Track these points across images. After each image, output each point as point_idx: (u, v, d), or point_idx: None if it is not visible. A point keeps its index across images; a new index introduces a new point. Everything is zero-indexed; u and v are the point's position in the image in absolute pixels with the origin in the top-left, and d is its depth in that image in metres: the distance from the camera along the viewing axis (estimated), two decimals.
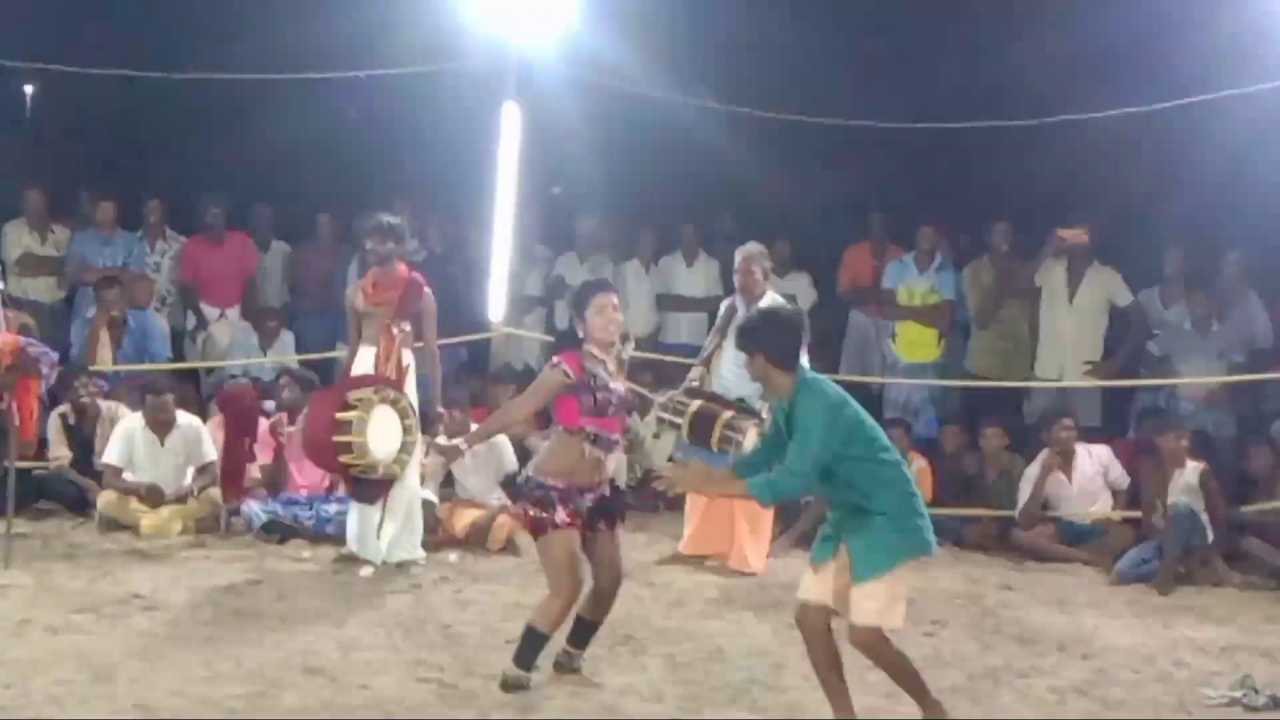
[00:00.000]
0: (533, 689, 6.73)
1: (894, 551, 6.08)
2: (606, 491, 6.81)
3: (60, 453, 10.41)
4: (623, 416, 6.99)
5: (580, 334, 6.81)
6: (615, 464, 7.04)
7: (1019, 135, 11.34)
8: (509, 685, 6.66)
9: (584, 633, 6.94)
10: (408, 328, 9.00)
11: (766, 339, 6.24)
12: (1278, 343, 11.32)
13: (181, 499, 10.02)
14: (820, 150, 12.54)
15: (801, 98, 11.74)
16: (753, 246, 9.57)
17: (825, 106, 11.67)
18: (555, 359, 6.79)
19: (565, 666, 6.92)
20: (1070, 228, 11.18)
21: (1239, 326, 11.25)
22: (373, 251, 9.05)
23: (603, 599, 6.87)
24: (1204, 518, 9.53)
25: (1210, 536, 9.53)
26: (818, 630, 6.24)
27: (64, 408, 10.53)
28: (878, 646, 6.15)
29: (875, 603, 6.04)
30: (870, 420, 6.18)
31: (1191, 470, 9.65)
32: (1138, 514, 10.01)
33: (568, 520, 6.63)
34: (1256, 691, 6.94)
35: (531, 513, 6.66)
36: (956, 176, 12.88)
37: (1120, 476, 10.27)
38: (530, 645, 6.68)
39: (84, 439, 10.47)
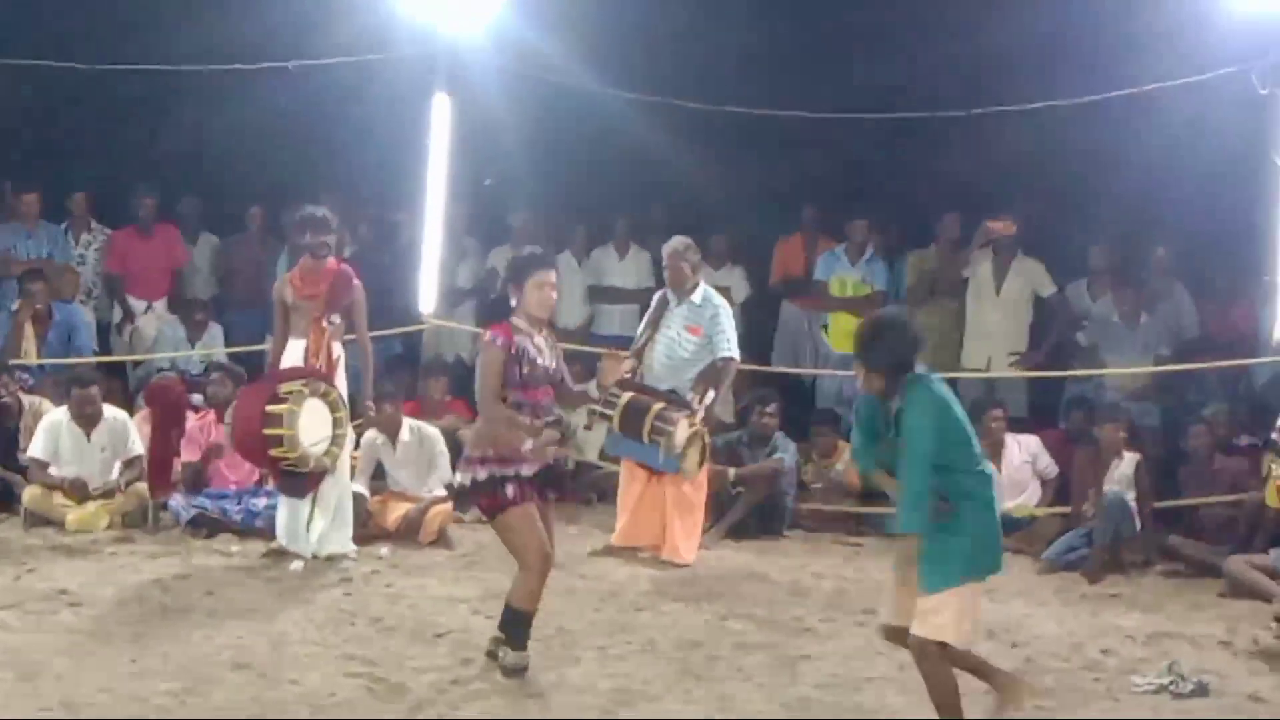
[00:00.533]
0: (462, 684, 6.71)
1: (966, 566, 5.97)
2: (549, 459, 6.93)
3: None
4: (548, 389, 7.00)
5: (513, 304, 6.93)
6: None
7: (951, 127, 11.38)
8: (511, 671, 6.78)
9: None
10: (337, 320, 8.94)
11: (886, 353, 5.97)
12: (1203, 335, 11.44)
13: (108, 493, 9.91)
14: (754, 142, 12.53)
15: (736, 90, 11.74)
16: (678, 241, 9.57)
17: (759, 98, 11.68)
18: (488, 334, 6.88)
19: (497, 654, 6.96)
20: (998, 219, 11.26)
21: (1166, 319, 11.35)
22: (304, 245, 8.98)
23: None
24: (1134, 507, 9.62)
25: (1138, 526, 9.62)
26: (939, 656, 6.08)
27: None
28: (933, 660, 6.04)
29: (940, 618, 5.95)
30: (969, 428, 6.03)
31: (1129, 461, 9.72)
32: (1066, 508, 10.06)
33: (519, 494, 6.75)
34: (1183, 678, 7.02)
35: (483, 500, 6.80)
36: (889, 168, 12.92)
37: (1049, 466, 10.34)
38: (517, 626, 6.84)
39: (6, 434, 10.32)
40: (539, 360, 6.87)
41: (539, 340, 6.94)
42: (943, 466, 5.89)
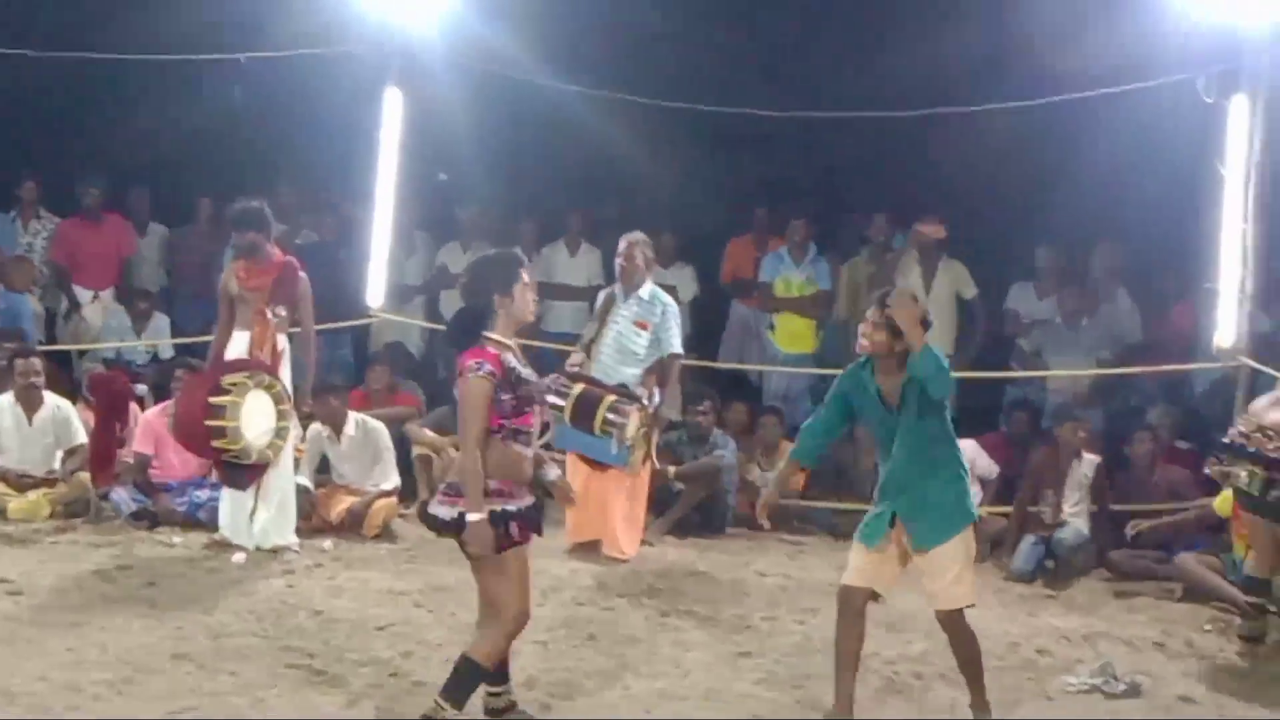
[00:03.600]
0: (402, 676, 6.72)
1: (965, 514, 6.39)
2: (572, 499, 6.62)
3: None
4: (538, 409, 6.18)
5: (495, 312, 5.99)
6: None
7: (902, 129, 11.43)
8: None
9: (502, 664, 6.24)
10: (283, 312, 8.93)
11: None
12: (1145, 338, 11.56)
13: (50, 482, 9.86)
14: (706, 141, 12.57)
15: (688, 87, 11.77)
16: (638, 233, 9.62)
17: (711, 96, 11.71)
18: (472, 363, 5.83)
19: (499, 710, 6.26)
20: (927, 222, 11.34)
21: (1108, 322, 11.47)
22: (235, 246, 9.00)
23: None
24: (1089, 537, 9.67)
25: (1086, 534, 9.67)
26: (859, 612, 6.41)
27: None
28: (961, 625, 6.40)
29: (962, 586, 6.32)
30: None
31: (1088, 463, 9.72)
32: (1008, 509, 10.11)
33: (523, 533, 5.95)
34: (1116, 679, 7.11)
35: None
36: (838, 168, 12.99)
37: (988, 468, 10.38)
38: (469, 682, 5.95)
39: None
40: (528, 377, 6.02)
41: (518, 352, 6.08)
42: (944, 417, 6.37)
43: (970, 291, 11.60)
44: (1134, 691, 7.03)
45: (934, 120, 11.09)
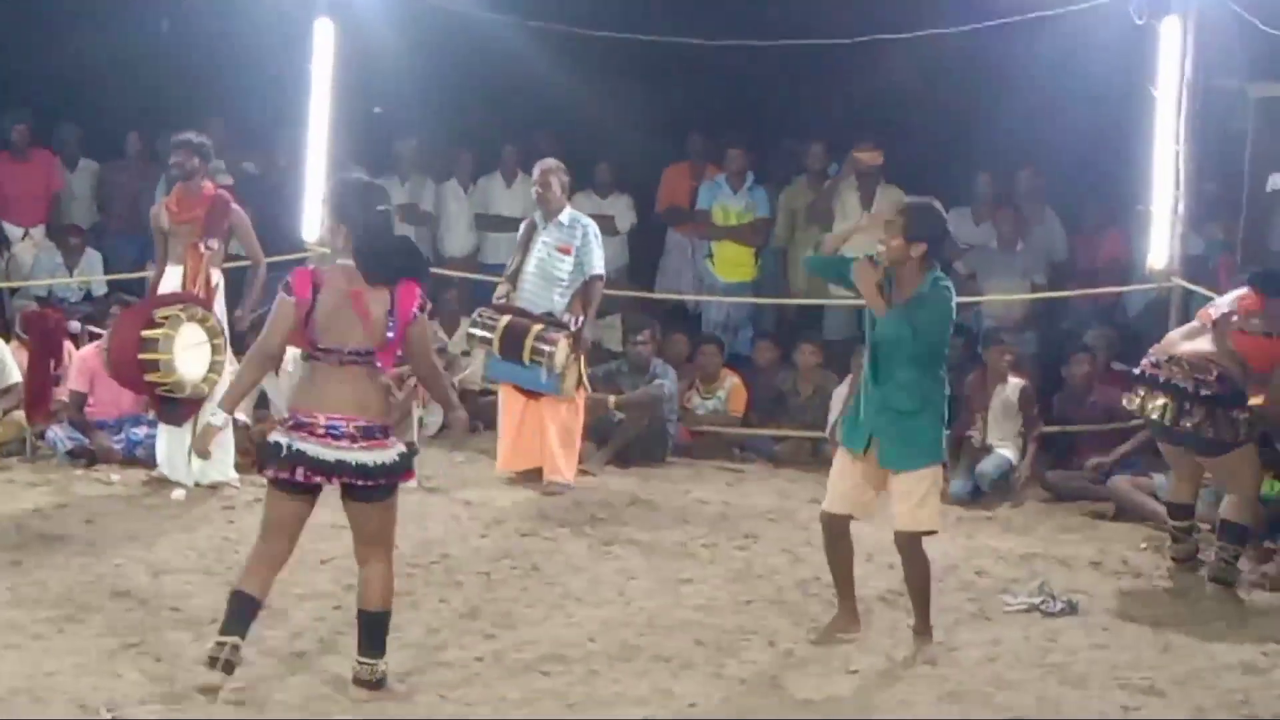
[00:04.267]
0: (345, 610, 6.72)
1: (938, 454, 6.58)
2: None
3: None
4: None
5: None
6: None
7: (835, 54, 11.39)
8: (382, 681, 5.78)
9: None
10: (215, 245, 8.88)
11: (933, 227, 6.53)
12: (1076, 262, 11.64)
13: None
14: (640, 70, 12.49)
15: (623, 18, 11.68)
16: (550, 160, 9.59)
17: (645, 25, 11.64)
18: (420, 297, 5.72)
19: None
20: (864, 149, 11.35)
21: (1041, 245, 11.54)
22: (176, 166, 8.91)
23: None
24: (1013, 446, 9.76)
25: (1022, 459, 9.76)
26: (841, 534, 6.67)
27: None
28: (919, 551, 6.58)
29: (926, 510, 6.48)
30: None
31: (1013, 387, 9.78)
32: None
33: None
34: (1054, 598, 7.21)
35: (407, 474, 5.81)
36: (774, 96, 12.96)
37: None
38: (385, 628, 5.86)
39: None
40: None
41: None
42: (936, 358, 6.48)
43: None
44: (1071, 610, 7.13)
45: (868, 47, 11.05)
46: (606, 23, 11.49)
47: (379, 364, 5.65)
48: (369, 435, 5.57)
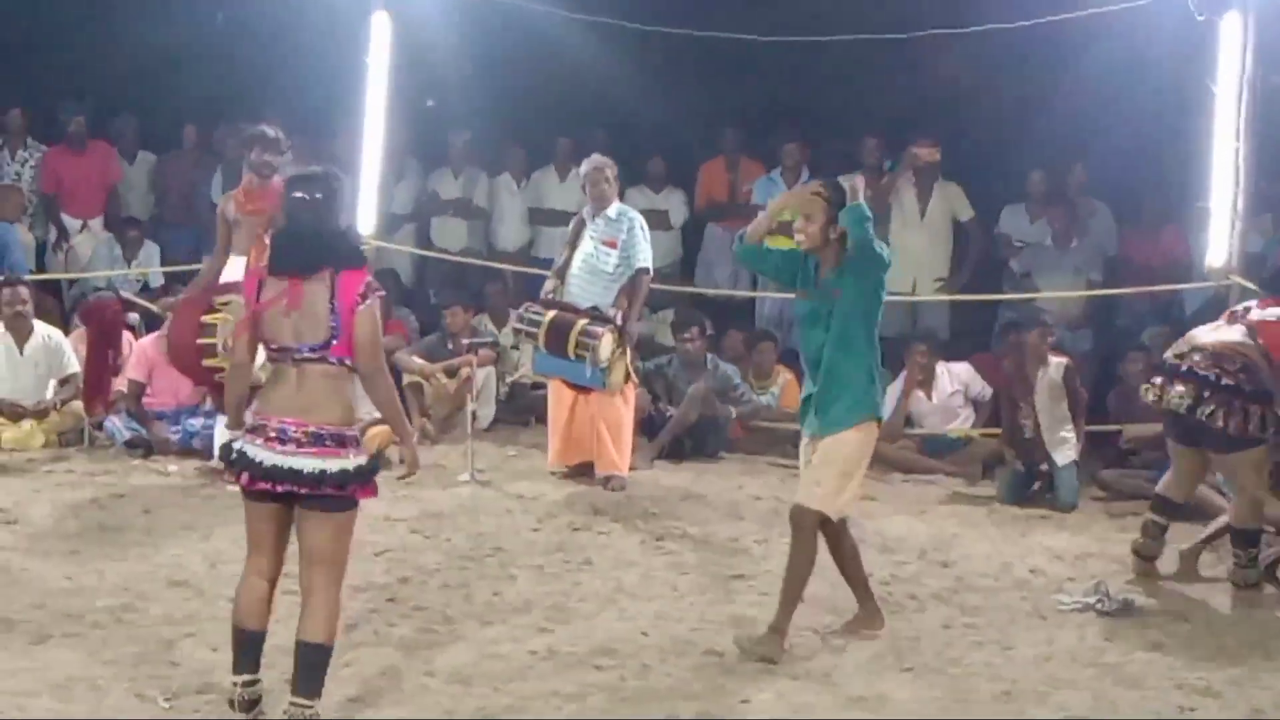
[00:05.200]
0: (399, 602, 6.75)
1: (867, 405, 6.38)
2: None
3: None
4: None
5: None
6: None
7: (890, 50, 11.35)
8: None
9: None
10: None
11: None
12: (1134, 260, 11.54)
13: (43, 412, 9.85)
14: (694, 65, 12.47)
15: (678, 12, 11.66)
16: (598, 158, 9.59)
17: (701, 20, 11.61)
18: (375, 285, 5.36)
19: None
20: (923, 145, 11.30)
21: (1096, 241, 11.47)
22: (264, 165, 8.91)
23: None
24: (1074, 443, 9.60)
25: (1076, 442, 9.62)
26: (842, 533, 6.57)
27: None
28: (803, 527, 6.36)
29: (822, 490, 6.30)
30: None
31: (1055, 366, 9.57)
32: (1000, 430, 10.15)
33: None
34: (1109, 597, 7.14)
35: (368, 488, 5.37)
36: (829, 91, 12.89)
37: (982, 390, 10.42)
38: (326, 666, 5.43)
39: None
40: None
41: None
42: (871, 316, 6.38)
43: (966, 213, 11.58)
44: (1127, 609, 7.08)
45: (924, 42, 11.01)
46: (661, 17, 11.49)
47: (336, 361, 5.28)
48: (318, 441, 5.21)
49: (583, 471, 9.44)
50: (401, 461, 5.60)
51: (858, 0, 11.71)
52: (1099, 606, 7.10)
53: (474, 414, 9.79)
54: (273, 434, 5.23)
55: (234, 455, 5.31)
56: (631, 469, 9.57)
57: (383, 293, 5.40)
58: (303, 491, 5.21)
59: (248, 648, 5.41)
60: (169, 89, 12.89)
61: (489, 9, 11.52)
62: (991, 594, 7.32)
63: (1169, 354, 7.61)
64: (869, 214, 6.31)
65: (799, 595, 6.43)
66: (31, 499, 8.33)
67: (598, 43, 11.79)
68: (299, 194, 5.42)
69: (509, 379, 11.25)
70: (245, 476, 5.26)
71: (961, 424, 10.45)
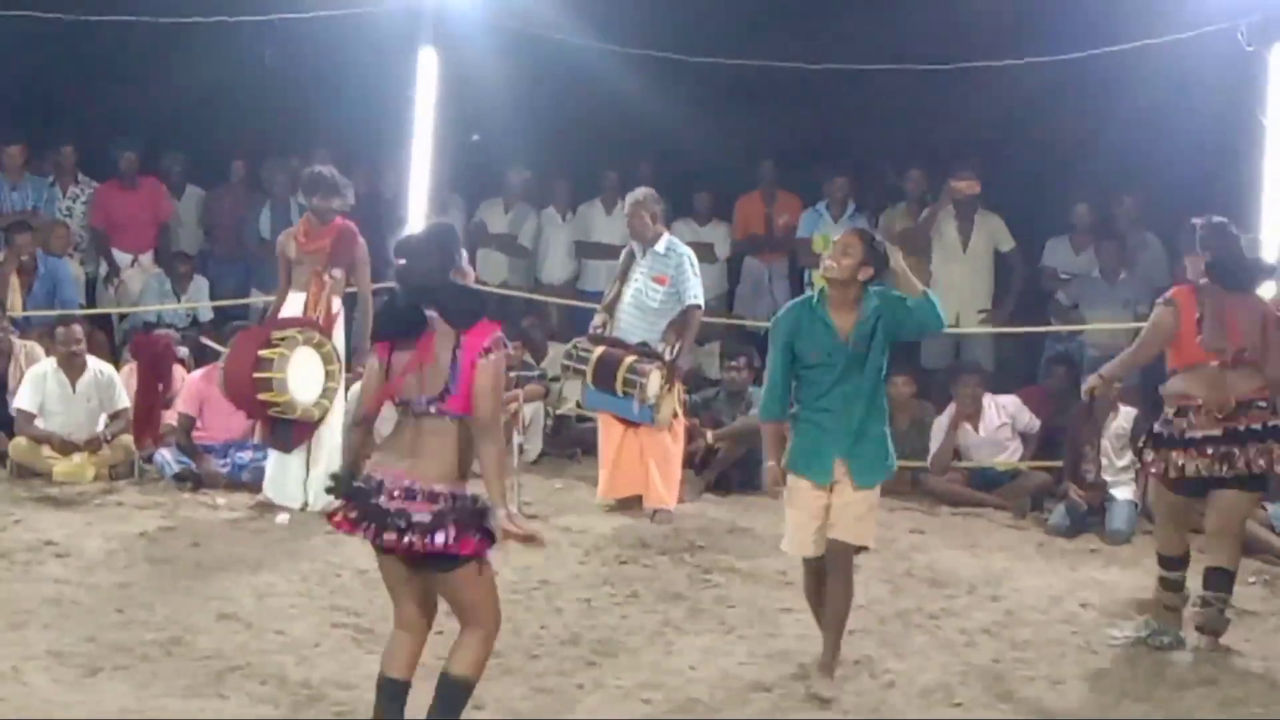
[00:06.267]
0: (448, 635, 6.74)
1: (891, 462, 6.50)
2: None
3: None
4: None
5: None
6: None
7: (934, 82, 11.36)
8: None
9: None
10: (339, 274, 9.02)
11: (880, 256, 6.38)
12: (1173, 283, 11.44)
13: (94, 446, 9.91)
14: (740, 97, 12.48)
15: (721, 44, 11.70)
16: (639, 191, 9.60)
17: (745, 52, 11.64)
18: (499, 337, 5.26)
19: None
20: (961, 178, 11.27)
21: (1145, 273, 11.40)
22: (321, 208, 9.00)
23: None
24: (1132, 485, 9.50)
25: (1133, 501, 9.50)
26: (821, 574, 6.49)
27: None
28: (848, 564, 6.40)
29: (868, 523, 6.38)
30: None
31: (1125, 415, 9.60)
32: (1050, 463, 10.09)
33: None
34: (1160, 632, 7.08)
35: (478, 540, 5.18)
36: (873, 122, 12.89)
37: (1030, 422, 10.36)
38: (463, 704, 5.41)
39: None
40: None
41: None
42: (885, 369, 6.44)
43: (1008, 244, 11.56)
44: (1179, 644, 7.02)
45: (969, 74, 11.00)
46: (706, 49, 11.52)
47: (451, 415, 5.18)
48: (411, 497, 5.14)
49: (631, 505, 9.44)
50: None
51: (901, 32, 11.71)
52: (1150, 641, 7.04)
53: (520, 447, 9.80)
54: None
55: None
56: (680, 502, 9.57)
57: (509, 350, 5.27)
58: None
59: (389, 696, 5.35)
60: (218, 125, 13.02)
61: (535, 43, 11.58)
62: (1041, 628, 7.28)
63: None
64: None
65: (842, 629, 6.45)
66: (83, 532, 8.39)
67: (643, 76, 11.83)
68: (401, 260, 5.31)
69: (555, 412, 11.26)
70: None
71: (1009, 456, 10.39)
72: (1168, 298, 7.24)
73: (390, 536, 5.11)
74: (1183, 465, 6.93)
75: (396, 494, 5.13)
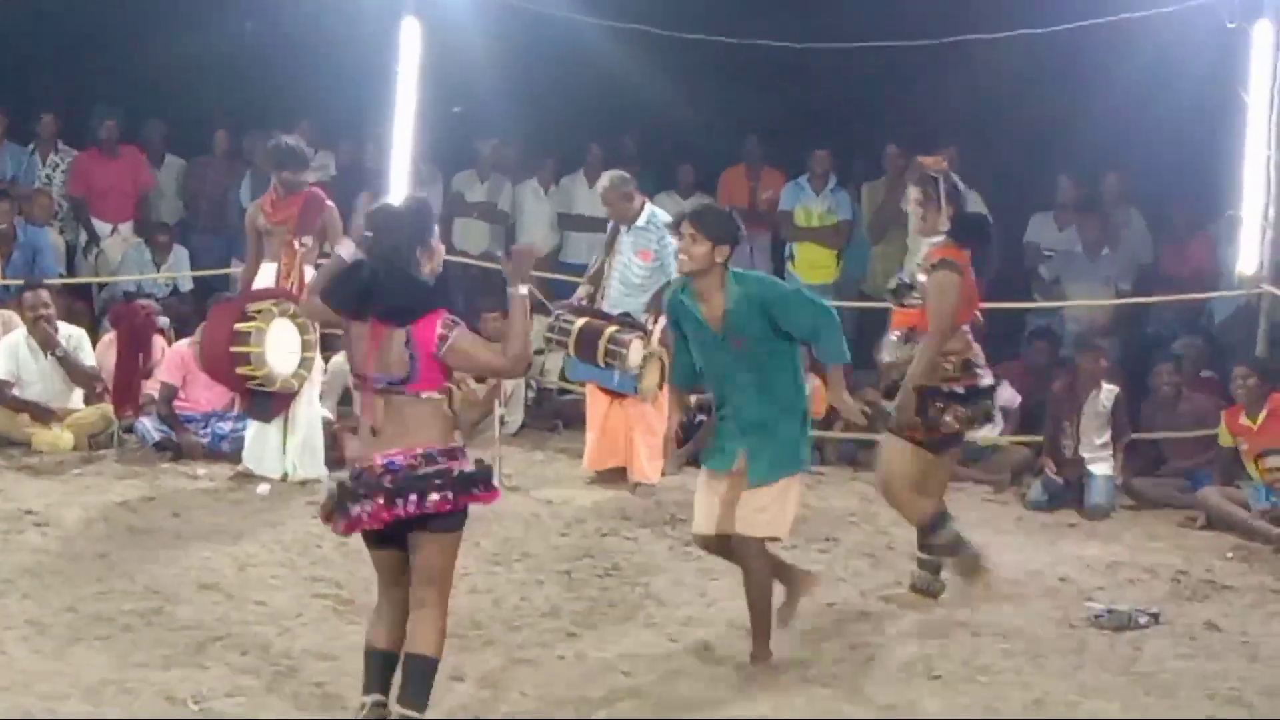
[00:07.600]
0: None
1: (798, 459, 6.27)
2: None
3: None
4: None
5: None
6: None
7: (919, 57, 11.35)
8: None
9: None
10: (309, 242, 8.97)
11: (729, 226, 6.36)
12: (1161, 268, 11.50)
13: (70, 412, 9.88)
14: (724, 72, 12.48)
15: (706, 19, 11.67)
16: (605, 178, 9.60)
17: (728, 28, 11.62)
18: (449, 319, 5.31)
19: None
20: (932, 155, 11.23)
21: (1128, 250, 11.42)
22: (289, 182, 8.95)
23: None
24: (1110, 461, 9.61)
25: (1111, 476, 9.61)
26: (728, 553, 6.44)
27: None
28: (762, 559, 6.33)
29: (766, 514, 6.20)
30: None
31: (1107, 393, 9.61)
32: (1031, 438, 10.12)
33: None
34: (1139, 610, 7.09)
35: (482, 492, 5.22)
36: (859, 98, 12.90)
37: (1011, 398, 10.34)
38: (431, 680, 5.26)
39: None
40: None
41: None
42: (791, 352, 6.28)
43: None
44: (1157, 619, 7.04)
45: (953, 49, 10.99)
46: (691, 24, 11.48)
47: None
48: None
49: (613, 477, 9.44)
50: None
51: (886, 7, 11.69)
52: (1130, 623, 7.02)
53: (502, 419, 9.79)
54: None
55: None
56: (663, 475, 9.57)
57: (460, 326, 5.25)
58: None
59: (375, 668, 5.31)
60: (200, 95, 12.96)
61: (519, 16, 11.54)
62: (1020, 601, 7.29)
63: None
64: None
65: (769, 617, 6.37)
66: (62, 502, 8.36)
67: (627, 50, 11.80)
68: (369, 232, 5.30)
69: (537, 384, 11.26)
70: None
71: (989, 431, 10.39)
72: None
73: (385, 508, 5.07)
74: None
75: (380, 470, 5.11)
